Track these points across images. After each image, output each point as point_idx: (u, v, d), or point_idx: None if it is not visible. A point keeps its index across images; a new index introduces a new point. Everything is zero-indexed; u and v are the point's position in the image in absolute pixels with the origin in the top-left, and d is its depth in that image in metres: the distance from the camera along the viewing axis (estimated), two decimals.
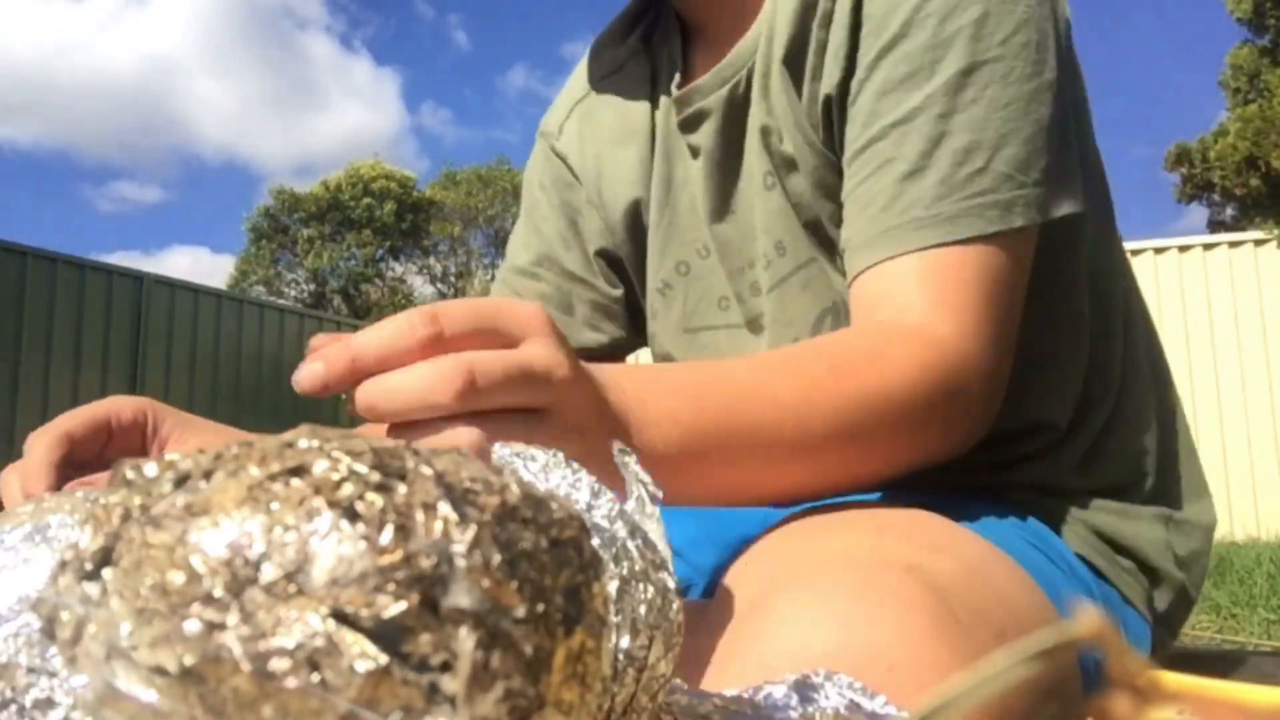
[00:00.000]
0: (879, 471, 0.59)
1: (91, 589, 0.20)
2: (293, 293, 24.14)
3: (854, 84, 0.67)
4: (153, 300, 8.54)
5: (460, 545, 0.19)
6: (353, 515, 0.19)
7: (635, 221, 0.86)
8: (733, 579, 0.49)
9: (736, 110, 0.77)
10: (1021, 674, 0.18)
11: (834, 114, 0.69)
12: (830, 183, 0.70)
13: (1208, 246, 6.72)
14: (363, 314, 20.68)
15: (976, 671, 0.18)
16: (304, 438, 0.21)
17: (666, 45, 0.85)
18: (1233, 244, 6.69)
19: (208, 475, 0.20)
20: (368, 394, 0.40)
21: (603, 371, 0.49)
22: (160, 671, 0.18)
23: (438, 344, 0.41)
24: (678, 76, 0.82)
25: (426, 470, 0.20)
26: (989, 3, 0.63)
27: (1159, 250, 6.75)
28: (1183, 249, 6.72)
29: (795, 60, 0.71)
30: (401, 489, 0.20)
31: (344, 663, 0.18)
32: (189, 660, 0.18)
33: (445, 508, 0.20)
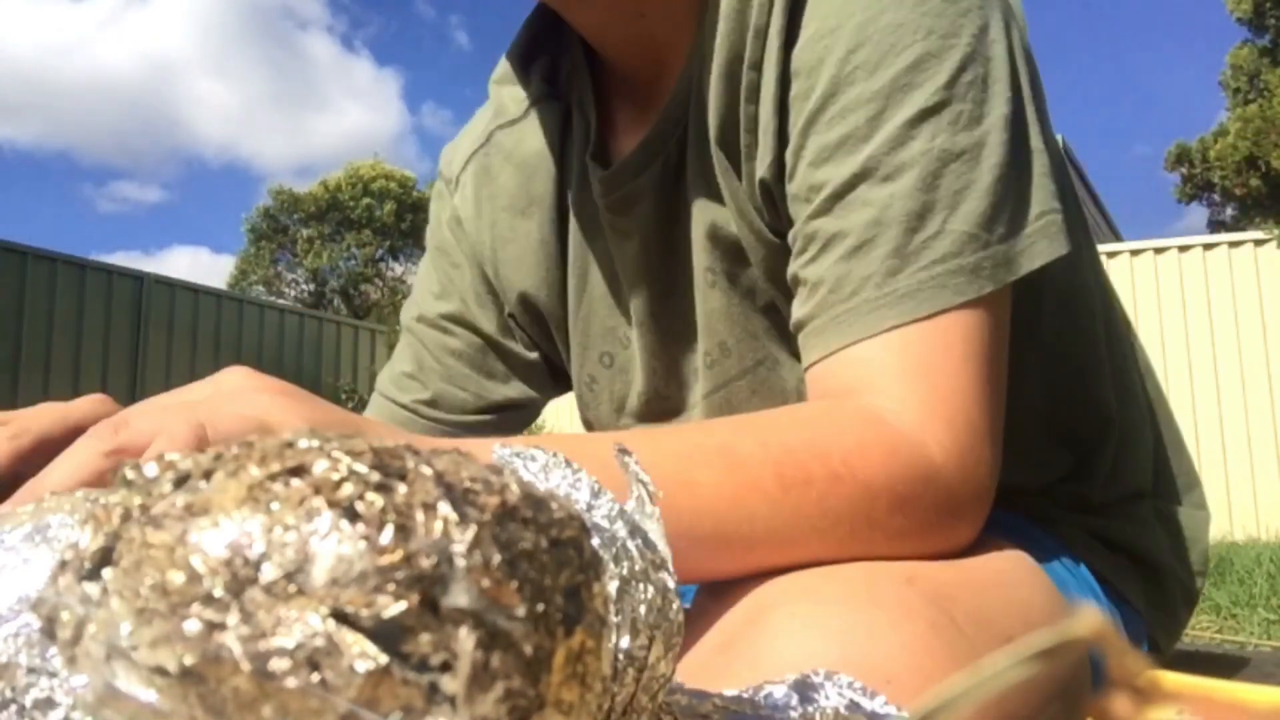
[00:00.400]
0: (825, 560, 0.49)
1: (91, 589, 0.20)
2: (293, 293, 24.14)
3: (788, 155, 0.59)
4: (153, 300, 8.56)
5: (460, 545, 0.19)
6: (353, 515, 0.19)
7: (531, 309, 0.79)
8: (728, 590, 0.48)
9: (671, 189, 0.69)
10: (1022, 674, 0.18)
11: (774, 196, 0.61)
12: (783, 271, 0.62)
13: (1208, 246, 6.72)
14: (362, 314, 20.68)
15: (976, 671, 0.18)
16: (304, 438, 0.21)
17: (577, 88, 0.75)
18: (1233, 244, 6.70)
19: (208, 475, 0.20)
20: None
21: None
22: (160, 671, 0.18)
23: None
24: (593, 137, 0.73)
25: (426, 470, 0.20)
26: (926, 42, 0.55)
27: (1159, 250, 6.76)
28: (1183, 249, 6.72)
29: (729, 140, 0.63)
30: (401, 489, 0.20)
31: (344, 663, 0.18)
32: (189, 660, 0.18)
33: (445, 508, 0.20)
